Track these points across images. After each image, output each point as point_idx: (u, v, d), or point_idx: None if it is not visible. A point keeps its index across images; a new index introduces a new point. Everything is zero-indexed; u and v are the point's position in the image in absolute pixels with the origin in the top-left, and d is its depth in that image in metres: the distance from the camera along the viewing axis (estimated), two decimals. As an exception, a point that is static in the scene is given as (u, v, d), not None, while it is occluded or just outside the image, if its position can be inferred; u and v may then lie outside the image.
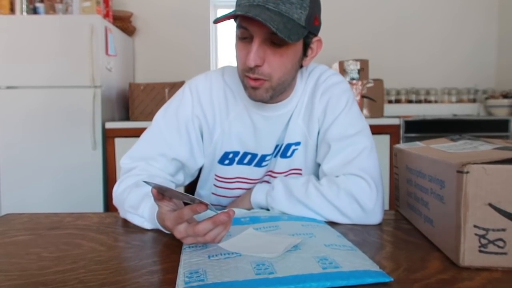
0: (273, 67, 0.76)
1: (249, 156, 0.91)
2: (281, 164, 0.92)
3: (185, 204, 0.65)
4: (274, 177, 0.92)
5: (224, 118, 0.89)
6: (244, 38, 0.76)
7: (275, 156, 0.92)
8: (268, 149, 0.91)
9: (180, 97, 0.91)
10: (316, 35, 0.81)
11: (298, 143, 0.90)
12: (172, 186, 0.87)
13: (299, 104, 0.89)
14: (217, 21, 0.72)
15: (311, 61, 0.85)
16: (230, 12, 0.71)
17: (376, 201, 0.78)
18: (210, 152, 0.92)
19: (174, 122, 0.88)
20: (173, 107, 0.90)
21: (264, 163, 0.92)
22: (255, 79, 0.77)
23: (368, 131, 0.87)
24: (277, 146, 0.91)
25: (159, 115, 0.91)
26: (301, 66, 0.84)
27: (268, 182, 0.94)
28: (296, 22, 0.72)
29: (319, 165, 0.88)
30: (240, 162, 0.92)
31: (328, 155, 0.84)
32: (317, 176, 0.86)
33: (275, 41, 0.73)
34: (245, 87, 0.81)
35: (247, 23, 0.73)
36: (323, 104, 0.88)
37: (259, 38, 0.73)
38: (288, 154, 0.91)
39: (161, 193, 0.62)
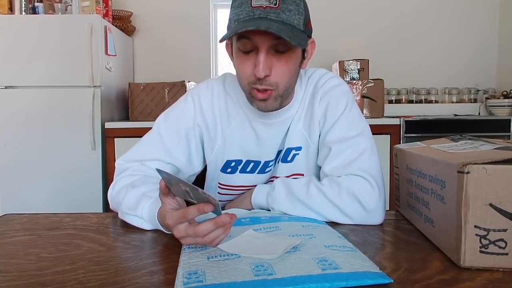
0: (279, 75, 0.76)
1: (252, 164, 0.91)
2: (282, 169, 0.91)
3: (187, 203, 0.65)
4: None
5: (226, 127, 0.90)
6: (247, 50, 0.76)
7: (277, 162, 0.92)
8: (271, 155, 0.91)
9: (182, 104, 0.91)
10: (310, 37, 0.82)
11: (299, 148, 0.90)
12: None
13: (300, 109, 0.90)
14: (223, 40, 0.73)
15: (308, 62, 0.85)
16: (238, 28, 0.70)
17: (378, 201, 0.78)
18: (212, 160, 0.93)
19: (175, 129, 0.89)
20: (175, 114, 0.91)
21: (267, 169, 0.92)
22: (264, 91, 0.77)
23: (368, 132, 0.87)
24: (279, 151, 0.91)
25: (160, 120, 0.91)
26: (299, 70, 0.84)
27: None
28: (296, 28, 0.74)
29: (320, 168, 0.88)
30: (243, 170, 0.92)
31: (329, 157, 0.84)
32: (319, 178, 0.86)
33: (279, 49, 0.74)
34: (252, 100, 0.80)
35: (252, 35, 0.72)
36: (323, 107, 0.88)
37: (264, 47, 0.73)
38: (289, 158, 0.91)
39: (167, 187, 0.62)
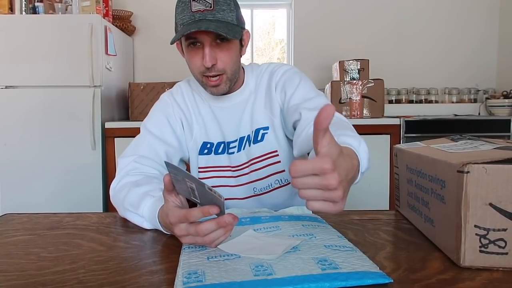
0: (225, 62, 0.91)
1: (222, 145, 1.04)
2: (257, 149, 1.01)
3: (188, 202, 0.65)
4: (256, 163, 1.02)
5: (197, 114, 1.04)
6: (194, 44, 0.89)
7: (249, 144, 1.02)
8: (231, 137, 1.03)
9: (159, 103, 1.06)
10: (244, 28, 0.95)
11: (266, 128, 1.01)
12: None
13: (259, 95, 1.02)
14: (174, 42, 0.87)
15: (245, 50, 0.99)
16: (184, 31, 0.83)
17: None
18: (192, 146, 1.05)
19: (158, 119, 1.01)
20: (154, 111, 1.05)
21: (230, 150, 1.03)
22: (215, 79, 0.91)
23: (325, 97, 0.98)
24: (248, 135, 1.02)
25: (144, 121, 1.03)
26: (241, 56, 0.98)
27: (251, 170, 1.02)
28: (231, 23, 0.88)
29: (290, 141, 1.00)
30: (216, 152, 1.04)
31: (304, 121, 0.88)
32: (291, 152, 0.97)
33: (220, 42, 0.89)
34: (205, 87, 0.95)
35: (197, 34, 0.86)
36: (280, 86, 1.00)
37: (208, 42, 0.87)
38: (259, 138, 1.01)
39: (172, 184, 0.61)
